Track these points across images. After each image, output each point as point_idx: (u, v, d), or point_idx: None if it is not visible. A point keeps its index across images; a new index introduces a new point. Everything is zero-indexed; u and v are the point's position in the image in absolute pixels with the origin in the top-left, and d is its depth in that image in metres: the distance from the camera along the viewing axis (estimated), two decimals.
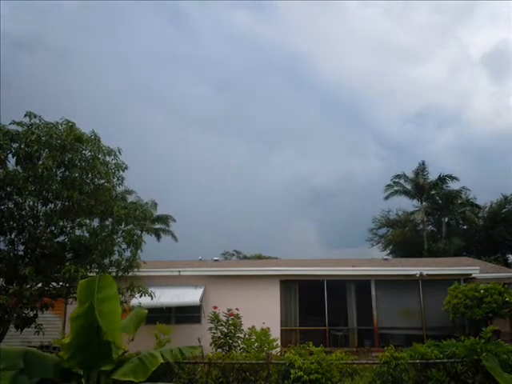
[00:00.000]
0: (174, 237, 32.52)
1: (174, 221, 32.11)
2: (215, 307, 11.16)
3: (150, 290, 10.42)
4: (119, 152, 9.85)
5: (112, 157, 9.74)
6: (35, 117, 9.14)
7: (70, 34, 53.73)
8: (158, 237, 32.06)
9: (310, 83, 61.31)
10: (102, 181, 9.58)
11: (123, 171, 9.90)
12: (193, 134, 63.20)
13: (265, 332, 9.63)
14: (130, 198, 10.88)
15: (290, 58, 60.88)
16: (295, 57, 60.13)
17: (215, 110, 62.82)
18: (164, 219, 31.80)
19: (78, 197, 8.87)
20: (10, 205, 8.94)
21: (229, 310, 10.80)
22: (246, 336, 10.08)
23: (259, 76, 63.89)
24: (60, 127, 9.23)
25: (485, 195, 37.21)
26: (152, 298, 10.38)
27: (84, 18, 52.58)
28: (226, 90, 62.59)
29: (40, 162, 8.97)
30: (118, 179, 9.90)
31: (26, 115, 9.08)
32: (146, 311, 5.96)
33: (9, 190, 8.78)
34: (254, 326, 10.09)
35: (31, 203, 8.96)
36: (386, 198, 34.46)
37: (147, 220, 10.38)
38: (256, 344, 9.27)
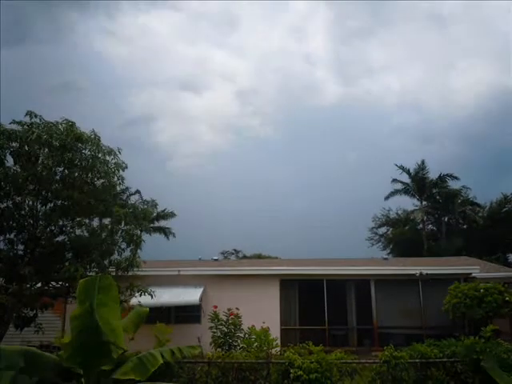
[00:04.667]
0: (172, 233, 32.40)
1: (174, 216, 31.90)
2: (215, 306, 11.16)
3: (150, 289, 10.42)
4: (119, 152, 9.84)
5: (112, 156, 9.73)
6: (36, 116, 9.12)
7: None
8: (167, 235, 31.93)
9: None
10: (102, 180, 9.57)
11: (123, 171, 9.90)
12: (193, 133, 63.14)
13: (265, 331, 9.64)
14: (131, 198, 10.88)
15: None
16: None
17: (218, 111, 62.77)
18: (167, 216, 31.65)
19: (77, 196, 8.86)
20: (10, 204, 8.93)
21: (229, 310, 10.81)
22: (246, 335, 10.09)
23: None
24: (60, 127, 9.22)
25: (485, 194, 37.11)
26: (152, 297, 10.37)
27: None
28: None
29: (39, 162, 8.96)
30: (118, 178, 9.89)
31: (26, 114, 9.06)
32: (147, 309, 5.91)
33: (8, 189, 8.77)
34: (253, 326, 10.10)
35: (30, 203, 8.96)
36: (387, 198, 34.50)
37: (146, 219, 10.38)
38: (256, 344, 9.28)
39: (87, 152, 9.38)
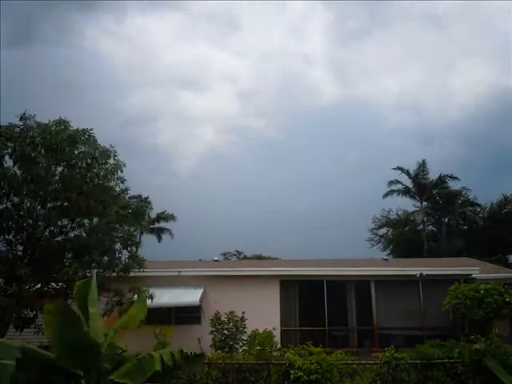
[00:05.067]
0: (171, 234, 32.43)
1: (175, 219, 31.97)
2: (217, 312, 11.08)
3: (150, 290, 10.39)
4: (115, 152, 9.81)
5: (110, 156, 9.70)
6: (29, 118, 9.10)
7: None
8: (160, 237, 32.03)
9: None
10: (100, 181, 9.54)
11: (121, 171, 9.86)
12: (194, 133, 63.20)
13: (268, 334, 9.62)
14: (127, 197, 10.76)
15: None
16: None
17: (219, 112, 62.81)
18: (168, 218, 31.67)
19: (75, 197, 8.84)
20: (8, 205, 8.92)
21: (231, 313, 10.76)
22: (249, 338, 10.07)
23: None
24: (54, 127, 9.17)
25: (485, 195, 37.03)
26: (152, 301, 10.35)
27: None
28: None
29: (37, 163, 8.95)
30: (117, 179, 9.86)
31: (20, 119, 9.04)
32: (146, 289, 5.85)
33: (6, 190, 8.76)
34: (257, 329, 10.06)
35: (29, 204, 8.95)
36: (385, 195, 34.45)
37: (145, 220, 10.36)
38: (258, 347, 9.28)
39: (85, 152, 9.34)
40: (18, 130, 8.95)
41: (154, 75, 61.63)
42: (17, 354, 4.37)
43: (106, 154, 9.60)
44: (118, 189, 10.12)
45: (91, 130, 9.53)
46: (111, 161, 9.68)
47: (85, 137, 9.32)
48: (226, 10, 56.98)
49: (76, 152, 9.23)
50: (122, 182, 10.01)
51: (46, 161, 8.80)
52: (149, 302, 10.31)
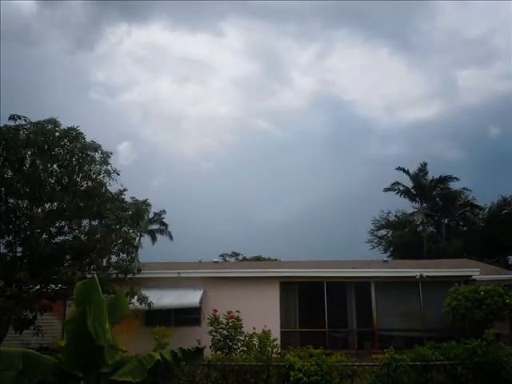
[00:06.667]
0: (169, 236, 32.44)
1: (165, 212, 31.74)
2: (215, 310, 11.11)
3: (148, 295, 10.31)
4: (111, 154, 9.79)
5: (99, 152, 9.65)
6: (20, 118, 9.08)
7: None
8: (154, 238, 32.01)
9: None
10: (89, 182, 9.51)
11: (114, 179, 9.81)
12: (193, 134, 63.19)
13: (266, 335, 9.61)
14: (126, 199, 10.68)
15: None
16: None
17: (220, 112, 62.86)
18: (159, 217, 31.54)
19: (69, 198, 8.80)
20: (3, 207, 8.91)
21: (229, 313, 10.76)
22: (247, 338, 10.05)
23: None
24: (46, 126, 9.15)
25: (484, 196, 36.99)
26: (150, 308, 10.31)
27: None
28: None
29: (29, 163, 8.93)
30: (109, 178, 9.80)
31: (10, 118, 9.01)
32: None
33: (3, 192, 8.74)
34: (254, 329, 10.06)
35: (25, 205, 8.92)
36: (386, 190, 34.53)
37: (141, 220, 10.31)
38: (258, 345, 9.27)
39: (74, 149, 9.28)
40: (12, 131, 8.91)
41: (154, 73, 61.82)
42: (18, 362, 4.38)
43: (95, 149, 9.55)
44: (113, 189, 10.04)
45: (78, 127, 9.49)
46: (103, 167, 9.61)
47: (72, 135, 9.27)
48: (231, 11, 57.12)
49: (65, 150, 9.18)
50: (109, 175, 9.83)
51: (40, 161, 8.79)
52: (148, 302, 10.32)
